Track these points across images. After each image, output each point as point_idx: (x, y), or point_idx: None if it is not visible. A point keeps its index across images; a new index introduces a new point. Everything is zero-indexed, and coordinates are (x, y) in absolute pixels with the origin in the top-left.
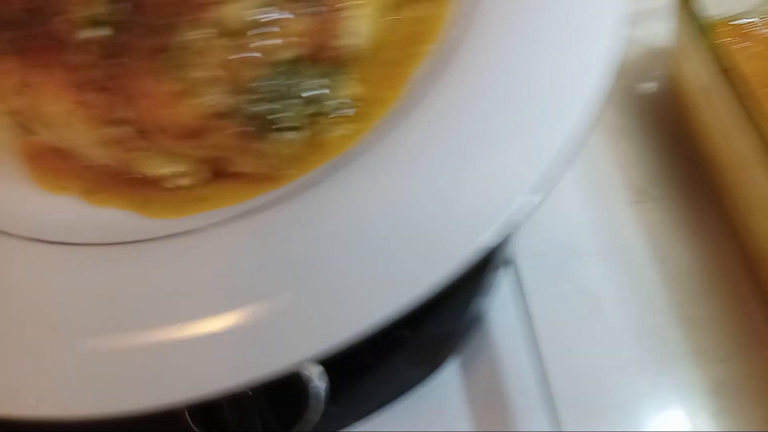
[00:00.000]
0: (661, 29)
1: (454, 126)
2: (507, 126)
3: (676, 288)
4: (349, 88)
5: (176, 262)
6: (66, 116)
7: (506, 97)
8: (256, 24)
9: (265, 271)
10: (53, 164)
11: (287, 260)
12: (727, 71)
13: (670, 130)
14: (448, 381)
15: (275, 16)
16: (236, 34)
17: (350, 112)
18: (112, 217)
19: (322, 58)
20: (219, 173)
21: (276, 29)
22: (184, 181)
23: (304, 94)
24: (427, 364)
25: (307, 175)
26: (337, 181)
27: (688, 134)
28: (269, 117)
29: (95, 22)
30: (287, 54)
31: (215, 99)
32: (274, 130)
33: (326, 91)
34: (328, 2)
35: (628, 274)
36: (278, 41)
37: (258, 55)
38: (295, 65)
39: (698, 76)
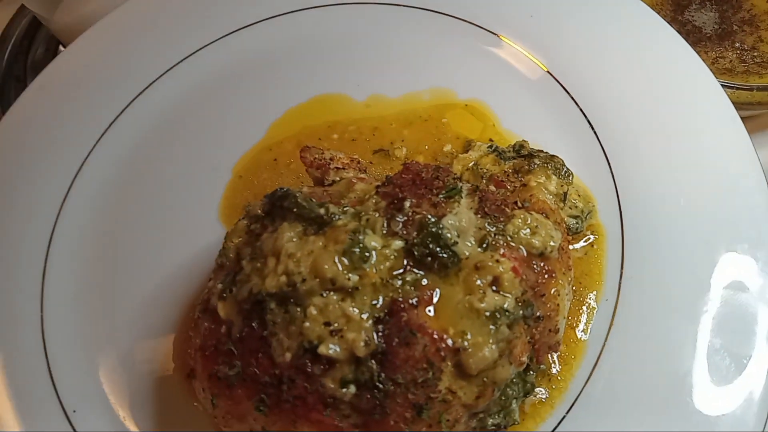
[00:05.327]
0: None
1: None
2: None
3: None
4: (546, 362)
5: None
6: None
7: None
8: (493, 361)
9: None
10: None
11: None
12: None
13: None
14: None
15: (507, 344)
16: (475, 375)
17: (543, 387)
18: None
19: (541, 356)
20: None
21: (508, 356)
22: None
23: (523, 393)
24: None
25: None
26: None
27: None
28: (498, 424)
29: (344, 383)
30: (518, 370)
31: (459, 429)
32: (498, 430)
33: (534, 379)
34: (547, 307)
35: None
36: (510, 366)
37: (492, 386)
38: (520, 373)
39: None
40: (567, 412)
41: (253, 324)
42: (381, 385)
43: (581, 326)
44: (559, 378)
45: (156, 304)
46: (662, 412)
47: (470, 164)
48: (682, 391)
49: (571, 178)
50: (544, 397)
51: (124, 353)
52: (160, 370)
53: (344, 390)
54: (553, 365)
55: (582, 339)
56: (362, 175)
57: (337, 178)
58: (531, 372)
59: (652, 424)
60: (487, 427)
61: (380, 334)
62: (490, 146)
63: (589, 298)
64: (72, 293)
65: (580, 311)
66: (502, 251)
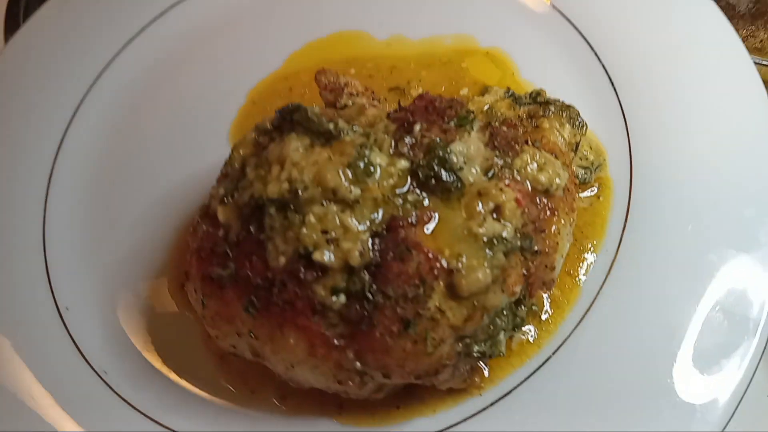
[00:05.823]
0: None
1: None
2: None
3: None
4: (538, 301)
5: None
6: (291, 362)
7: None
8: (485, 286)
9: None
10: (241, 366)
11: None
12: None
13: None
14: None
15: (501, 272)
16: (467, 297)
17: (533, 326)
18: None
19: (534, 291)
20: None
21: (501, 284)
22: (380, 395)
23: (512, 326)
24: None
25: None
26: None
27: None
28: (484, 352)
29: (335, 291)
30: (510, 299)
31: (444, 350)
32: (484, 358)
33: (525, 314)
34: (546, 243)
35: None
36: (501, 294)
37: (482, 311)
38: (511, 306)
39: None
40: (553, 354)
41: (251, 228)
42: (371, 296)
43: (578, 274)
44: (549, 321)
45: (156, 217)
46: (650, 363)
47: (485, 107)
48: (671, 344)
49: (584, 129)
50: (532, 337)
51: (120, 259)
52: (154, 279)
53: (334, 298)
54: (545, 312)
55: (577, 285)
56: (375, 103)
57: (350, 103)
58: (522, 307)
59: (639, 373)
60: (472, 353)
61: (376, 247)
62: (507, 91)
63: (589, 248)
64: (77, 199)
65: (579, 259)
66: (507, 182)
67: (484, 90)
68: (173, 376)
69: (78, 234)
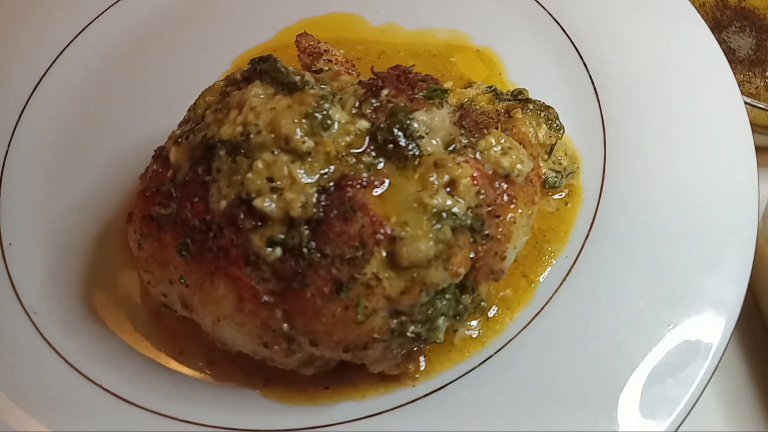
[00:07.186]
0: None
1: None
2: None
3: None
4: (488, 298)
5: None
6: (218, 316)
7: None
8: (426, 259)
9: None
10: (174, 326)
11: None
12: None
13: None
14: None
15: (445, 248)
16: (406, 268)
17: (478, 322)
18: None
19: (480, 277)
20: (344, 364)
21: (444, 261)
22: (309, 371)
23: (453, 312)
24: None
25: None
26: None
27: None
28: (419, 334)
29: (271, 243)
30: (452, 281)
31: (375, 322)
32: (419, 342)
33: (469, 303)
34: (498, 230)
35: None
36: (443, 273)
37: (420, 285)
38: (454, 288)
39: None
40: (495, 353)
41: (199, 169)
42: (307, 253)
43: (534, 276)
44: (497, 319)
45: (122, 169)
46: (593, 377)
47: (465, 100)
48: (618, 360)
49: (561, 132)
50: (476, 333)
51: (76, 204)
52: (106, 227)
53: (269, 250)
54: (493, 309)
55: (531, 287)
56: (352, 72)
57: (326, 68)
58: (467, 295)
59: (581, 386)
60: (407, 332)
61: (321, 202)
62: (490, 87)
63: (550, 251)
64: (42, 139)
65: (537, 262)
66: (466, 158)
67: (468, 84)
68: (104, 324)
69: (38, 174)
